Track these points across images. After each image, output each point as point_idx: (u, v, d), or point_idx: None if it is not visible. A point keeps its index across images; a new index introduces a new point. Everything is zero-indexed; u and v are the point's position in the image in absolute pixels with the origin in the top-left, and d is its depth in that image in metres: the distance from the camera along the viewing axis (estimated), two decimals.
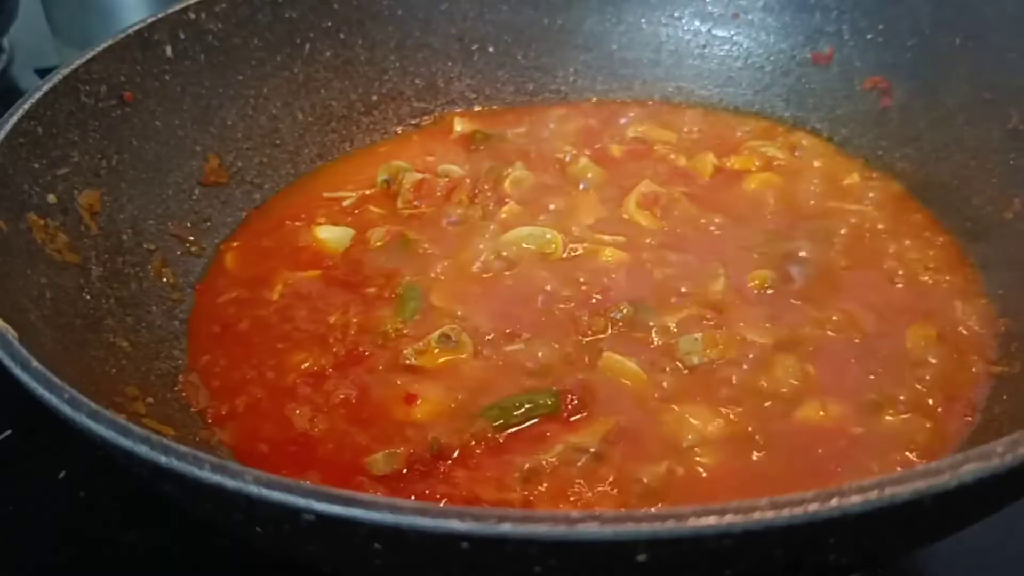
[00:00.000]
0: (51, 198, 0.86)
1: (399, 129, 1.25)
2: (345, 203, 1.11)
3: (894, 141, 1.12)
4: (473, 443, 0.79)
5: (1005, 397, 0.82)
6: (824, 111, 1.19)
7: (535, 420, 0.81)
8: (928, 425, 0.79)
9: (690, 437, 0.79)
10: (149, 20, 1.02)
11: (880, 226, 1.02)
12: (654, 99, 1.28)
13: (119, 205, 0.95)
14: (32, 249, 0.81)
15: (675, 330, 0.88)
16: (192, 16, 1.06)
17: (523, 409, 0.81)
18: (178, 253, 1.00)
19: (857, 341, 0.88)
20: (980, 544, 0.73)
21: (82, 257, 0.87)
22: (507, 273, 0.98)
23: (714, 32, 1.26)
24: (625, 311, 0.89)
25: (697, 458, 0.77)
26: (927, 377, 0.84)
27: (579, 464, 0.76)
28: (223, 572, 0.81)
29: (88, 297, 0.85)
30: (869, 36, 1.15)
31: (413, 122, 1.26)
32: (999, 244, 0.96)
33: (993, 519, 0.57)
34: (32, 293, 0.77)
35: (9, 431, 0.92)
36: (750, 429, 0.79)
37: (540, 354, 0.87)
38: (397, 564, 0.52)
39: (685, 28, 1.28)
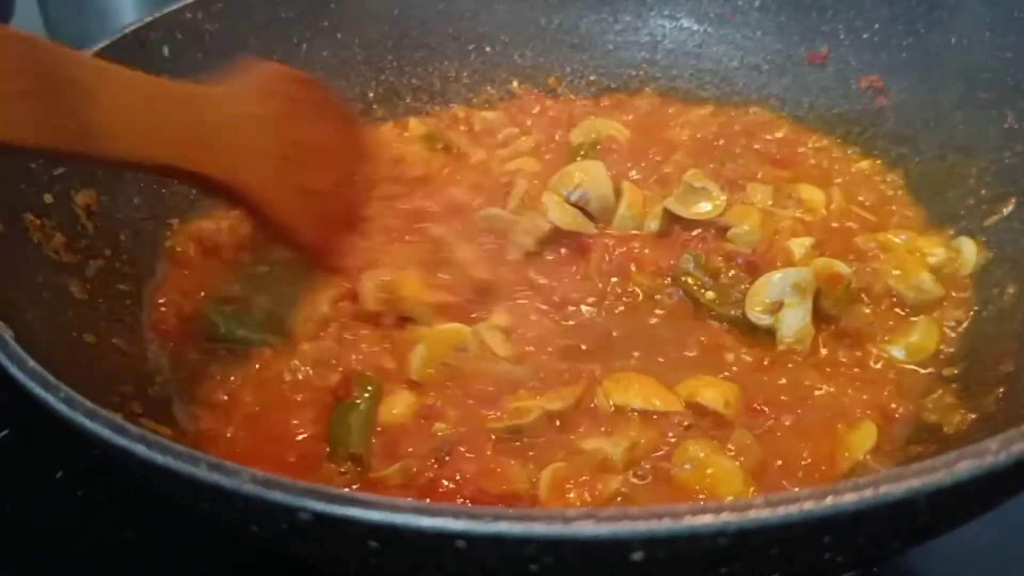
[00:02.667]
0: (48, 198, 0.86)
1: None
2: None
3: (890, 140, 1.12)
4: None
5: (1001, 394, 0.82)
6: (820, 110, 1.19)
7: None
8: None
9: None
10: (146, 20, 1.02)
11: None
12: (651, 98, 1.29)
13: (116, 205, 0.95)
14: (29, 249, 0.81)
15: None
16: (189, 16, 1.06)
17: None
18: (176, 253, 1.00)
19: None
20: (976, 543, 0.73)
21: (79, 257, 0.87)
22: None
23: (710, 31, 1.27)
24: None
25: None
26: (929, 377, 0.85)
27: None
28: (222, 572, 0.81)
29: (86, 297, 0.85)
30: (865, 36, 1.16)
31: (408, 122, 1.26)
32: (994, 243, 0.96)
33: (988, 517, 0.57)
34: (29, 293, 0.77)
35: (6, 430, 0.92)
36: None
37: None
38: (394, 563, 0.52)
39: (682, 27, 1.28)
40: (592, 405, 0.81)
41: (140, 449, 0.52)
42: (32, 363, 0.60)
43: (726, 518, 0.46)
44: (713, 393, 0.80)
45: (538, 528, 0.46)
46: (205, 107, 0.79)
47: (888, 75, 1.14)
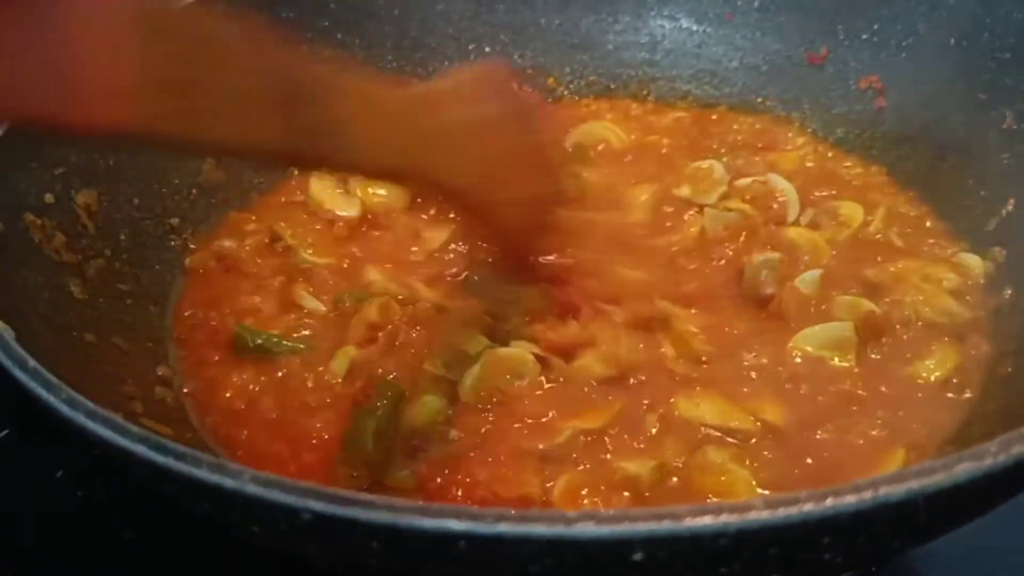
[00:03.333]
0: (48, 198, 0.86)
1: None
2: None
3: (889, 141, 1.12)
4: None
5: (999, 394, 0.82)
6: (819, 111, 1.19)
7: None
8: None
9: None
10: None
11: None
12: (650, 99, 1.29)
13: (117, 204, 0.95)
14: (29, 249, 0.81)
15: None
16: None
17: None
18: (176, 253, 1.01)
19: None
20: (976, 544, 0.73)
21: (80, 257, 0.87)
22: None
23: (710, 32, 1.27)
24: None
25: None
26: (923, 374, 0.84)
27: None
28: (219, 571, 0.81)
29: (86, 296, 0.85)
30: (864, 36, 1.16)
31: None
32: (993, 244, 0.96)
33: (988, 517, 0.57)
34: (29, 293, 0.77)
35: (6, 430, 0.92)
36: None
37: None
38: (395, 563, 0.52)
39: (681, 28, 1.28)
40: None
41: (141, 450, 0.52)
42: (33, 363, 0.60)
43: (726, 519, 0.46)
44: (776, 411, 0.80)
45: (539, 529, 0.46)
46: (427, 109, 0.78)
47: (887, 76, 1.14)
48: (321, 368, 0.87)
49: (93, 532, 0.85)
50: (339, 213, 1.05)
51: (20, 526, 0.86)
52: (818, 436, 0.78)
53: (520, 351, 0.84)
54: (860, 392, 0.82)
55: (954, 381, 0.84)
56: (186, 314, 0.96)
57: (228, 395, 0.86)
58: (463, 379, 0.83)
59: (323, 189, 1.07)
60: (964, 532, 0.58)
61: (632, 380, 0.83)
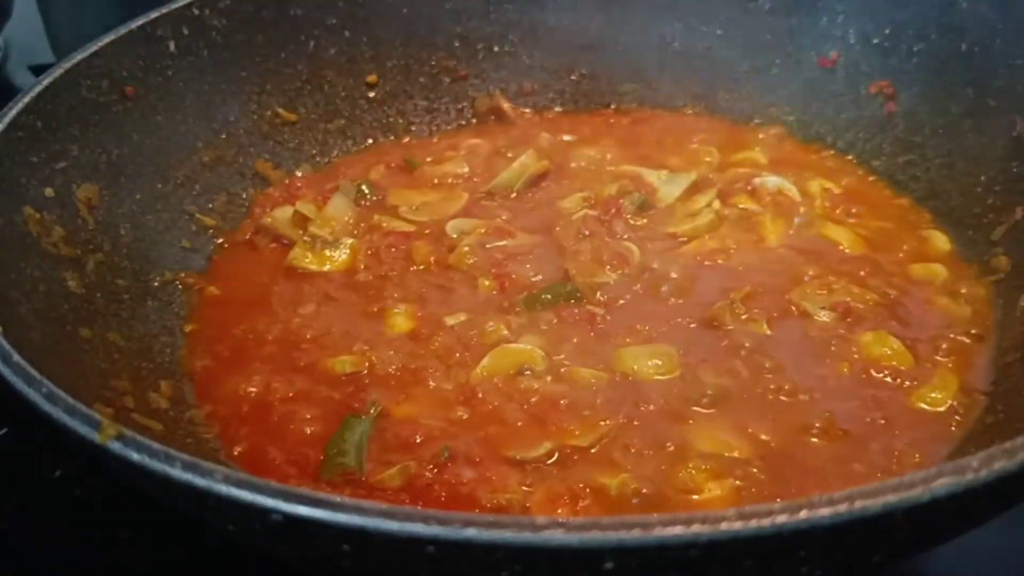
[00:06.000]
0: (48, 192, 0.87)
1: (402, 127, 1.25)
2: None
3: (898, 146, 1.11)
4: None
5: (1005, 401, 0.81)
6: (828, 115, 1.18)
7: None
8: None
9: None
10: (152, 15, 1.02)
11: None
12: (659, 101, 1.28)
13: (118, 199, 0.95)
14: (27, 243, 0.82)
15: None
16: (196, 12, 1.07)
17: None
18: (177, 249, 1.01)
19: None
20: (980, 545, 0.71)
21: (78, 251, 0.87)
22: None
23: (720, 34, 1.25)
24: None
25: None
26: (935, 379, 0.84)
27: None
28: (215, 571, 0.81)
29: (83, 291, 0.85)
30: (875, 41, 1.14)
31: (416, 120, 1.26)
32: (1000, 251, 0.95)
33: (994, 520, 0.56)
34: (24, 286, 0.77)
35: (5, 429, 0.92)
36: None
37: None
38: (366, 566, 0.52)
39: (691, 29, 1.26)
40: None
41: (116, 447, 0.52)
42: (16, 357, 0.60)
43: (697, 530, 0.45)
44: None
45: (507, 536, 0.46)
46: None
47: (898, 81, 1.12)
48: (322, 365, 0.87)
49: (91, 531, 0.85)
50: None
51: (19, 526, 0.86)
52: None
53: (529, 348, 0.86)
54: None
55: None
56: (186, 311, 0.96)
57: (227, 392, 0.86)
58: (474, 369, 0.84)
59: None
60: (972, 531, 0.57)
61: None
